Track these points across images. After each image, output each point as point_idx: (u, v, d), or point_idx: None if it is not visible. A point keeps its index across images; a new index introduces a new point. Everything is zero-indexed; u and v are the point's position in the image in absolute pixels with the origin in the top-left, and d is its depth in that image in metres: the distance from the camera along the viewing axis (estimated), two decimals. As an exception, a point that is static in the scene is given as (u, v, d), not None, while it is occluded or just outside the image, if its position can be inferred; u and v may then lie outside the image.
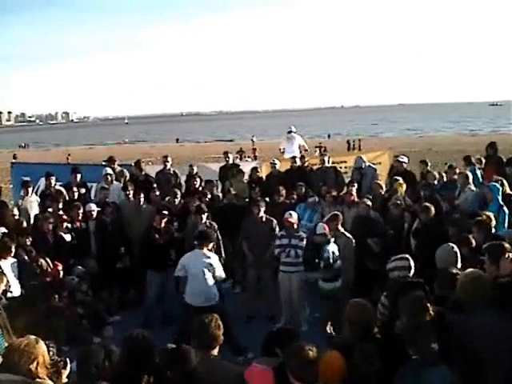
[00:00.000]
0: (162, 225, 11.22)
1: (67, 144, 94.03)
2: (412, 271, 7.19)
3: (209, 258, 9.40)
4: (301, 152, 18.52)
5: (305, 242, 10.41)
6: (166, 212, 11.33)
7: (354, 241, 10.33)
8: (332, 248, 9.74)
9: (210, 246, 9.66)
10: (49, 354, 5.07)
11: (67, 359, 5.15)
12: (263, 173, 15.62)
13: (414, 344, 4.99)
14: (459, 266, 7.04)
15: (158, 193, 13.41)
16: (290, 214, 10.69)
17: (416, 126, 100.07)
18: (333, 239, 9.90)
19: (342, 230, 10.45)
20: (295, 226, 10.56)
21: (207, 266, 9.32)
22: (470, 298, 5.45)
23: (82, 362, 4.77)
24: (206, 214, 11.44)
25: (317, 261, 10.03)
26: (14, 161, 18.49)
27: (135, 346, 4.98)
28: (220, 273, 9.48)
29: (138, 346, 4.97)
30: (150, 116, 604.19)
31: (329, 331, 6.08)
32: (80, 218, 11.75)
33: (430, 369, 4.90)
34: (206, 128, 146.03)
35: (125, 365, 4.95)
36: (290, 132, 19.94)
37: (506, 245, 6.72)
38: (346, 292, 9.63)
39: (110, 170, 14.32)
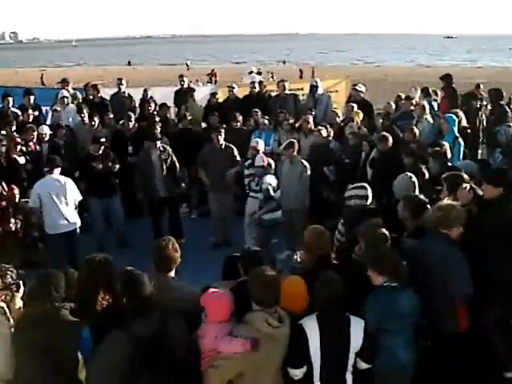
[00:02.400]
0: (100, 152, 10.98)
1: (17, 65, 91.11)
2: (369, 200, 7.29)
3: (60, 182, 9.38)
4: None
5: (273, 169, 10.40)
6: (102, 139, 11.10)
7: (309, 167, 10.33)
8: (270, 179, 9.77)
9: (57, 170, 9.57)
10: (6, 277, 5.03)
11: (20, 282, 5.10)
12: (220, 98, 15.40)
13: (381, 270, 5.12)
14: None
15: (111, 116, 13.21)
16: (257, 142, 10.74)
17: (367, 56, 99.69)
18: (272, 171, 9.95)
19: (298, 157, 10.43)
20: (261, 154, 10.49)
21: (61, 191, 9.34)
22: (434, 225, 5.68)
23: (42, 285, 4.73)
24: (159, 141, 11.15)
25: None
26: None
27: (95, 268, 4.96)
28: (75, 196, 9.55)
29: (98, 268, 4.96)
30: (100, 38, 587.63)
31: (296, 259, 6.15)
32: (34, 140, 11.50)
33: (401, 292, 5.11)
34: (159, 52, 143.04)
35: (83, 286, 4.94)
36: (250, 73, 20.17)
37: (465, 175, 6.88)
38: (302, 219, 9.73)
39: (66, 93, 14.04)
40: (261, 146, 10.76)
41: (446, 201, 6.03)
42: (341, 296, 4.78)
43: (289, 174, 10.29)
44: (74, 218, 9.49)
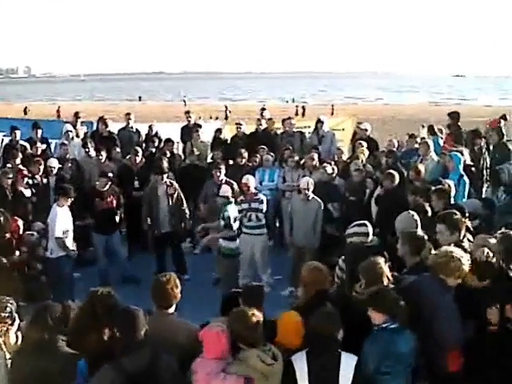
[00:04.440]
0: (106, 188, 11.06)
1: (28, 98, 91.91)
2: (370, 238, 7.31)
3: (55, 213, 9.69)
4: None
5: (265, 205, 10.44)
6: (110, 175, 11.21)
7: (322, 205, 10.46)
8: (232, 209, 9.82)
9: (67, 201, 9.86)
10: (5, 309, 5.03)
11: (16, 315, 5.09)
12: (227, 134, 15.47)
13: (381, 308, 5.05)
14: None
15: (119, 150, 13.32)
16: (248, 178, 10.73)
17: (369, 95, 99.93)
18: (233, 201, 9.99)
19: (312, 195, 10.50)
20: (251, 190, 10.54)
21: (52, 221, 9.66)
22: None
23: (39, 316, 4.74)
24: (166, 174, 11.26)
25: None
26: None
27: (97, 302, 4.99)
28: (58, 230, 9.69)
29: (103, 303, 5.00)
30: (111, 74, 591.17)
31: (288, 292, 6.14)
32: (41, 173, 11.57)
33: (401, 334, 5.02)
34: (169, 88, 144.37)
35: (83, 318, 4.94)
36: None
37: (459, 214, 6.88)
38: (313, 256, 9.69)
39: (70, 127, 14.15)
40: (251, 182, 10.69)
41: (456, 249, 5.89)
42: (334, 333, 4.76)
43: (303, 212, 10.42)
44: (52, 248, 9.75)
